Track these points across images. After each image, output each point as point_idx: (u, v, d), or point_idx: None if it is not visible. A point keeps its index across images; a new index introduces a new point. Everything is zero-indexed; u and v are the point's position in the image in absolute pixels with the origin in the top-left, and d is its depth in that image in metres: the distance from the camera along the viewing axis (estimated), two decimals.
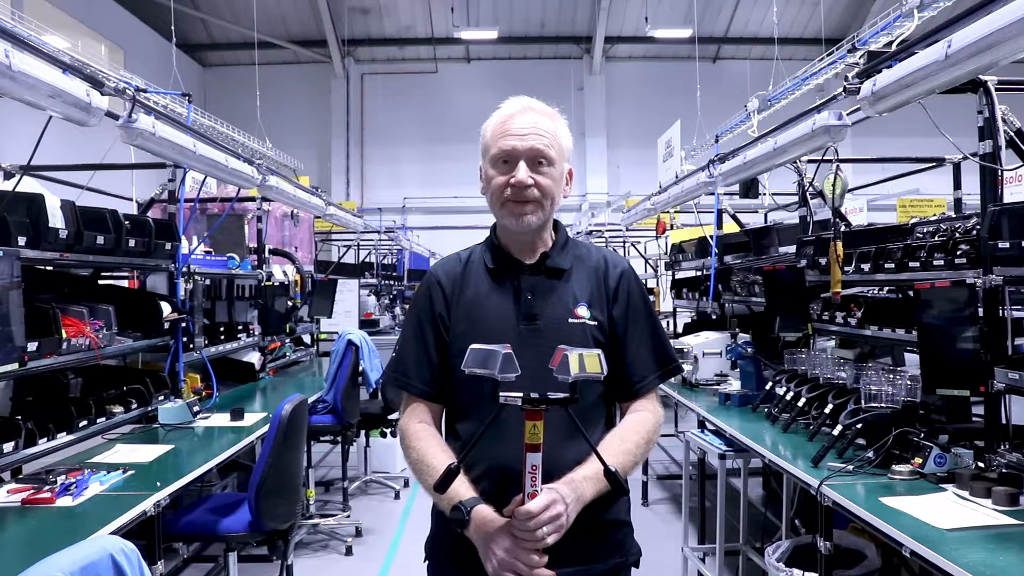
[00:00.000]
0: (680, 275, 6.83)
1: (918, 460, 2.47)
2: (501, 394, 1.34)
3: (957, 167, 4.46)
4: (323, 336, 7.42)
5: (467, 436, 1.57)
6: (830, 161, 3.49)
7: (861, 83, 2.73)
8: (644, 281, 8.58)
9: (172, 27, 11.10)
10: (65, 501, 2.42)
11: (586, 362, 1.34)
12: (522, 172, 1.54)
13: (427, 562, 1.67)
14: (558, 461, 1.46)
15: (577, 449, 1.49)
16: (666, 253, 7.73)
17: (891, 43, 2.89)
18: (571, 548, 1.49)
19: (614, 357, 1.59)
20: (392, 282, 12.24)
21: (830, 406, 2.96)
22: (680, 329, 6.45)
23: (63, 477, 2.62)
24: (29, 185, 3.43)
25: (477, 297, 1.61)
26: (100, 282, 4.12)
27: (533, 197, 1.55)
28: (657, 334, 1.67)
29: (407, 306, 11.21)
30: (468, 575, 1.49)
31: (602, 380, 1.42)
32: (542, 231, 1.64)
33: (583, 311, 1.59)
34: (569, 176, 1.65)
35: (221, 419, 3.79)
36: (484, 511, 1.44)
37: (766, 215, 6.88)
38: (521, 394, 1.34)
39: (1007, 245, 2.42)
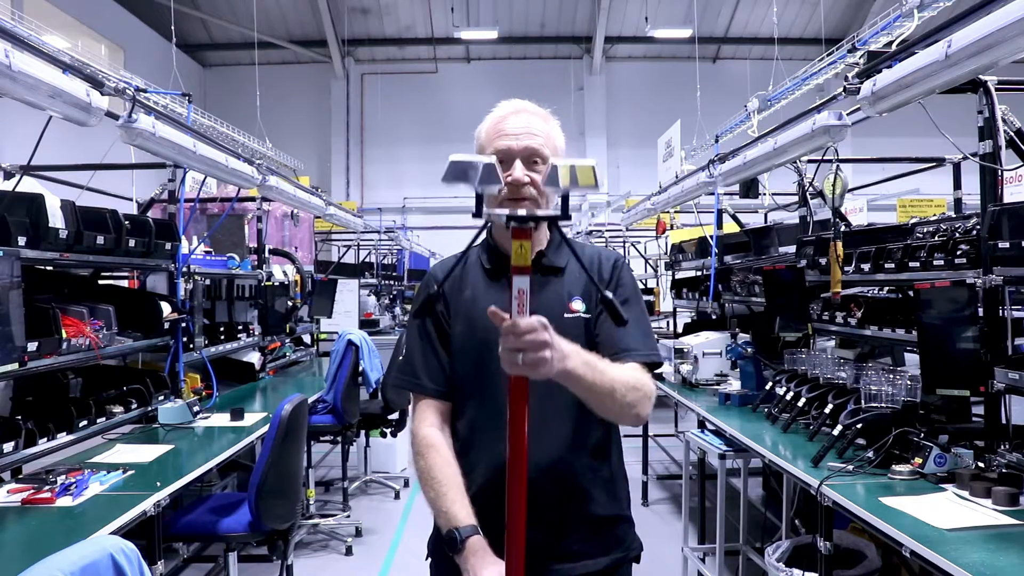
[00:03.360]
0: (680, 275, 6.83)
1: (918, 460, 2.47)
2: (486, 210, 1.25)
3: (957, 167, 4.46)
4: (323, 336, 7.42)
5: (466, 433, 1.58)
6: (830, 161, 3.49)
7: (861, 83, 2.73)
8: (644, 281, 8.52)
9: (172, 27, 11.10)
10: (65, 501, 2.42)
11: (579, 174, 1.22)
12: (518, 170, 1.55)
13: (429, 559, 1.68)
14: (544, 442, 1.47)
15: (562, 429, 1.51)
16: (666, 253, 7.73)
17: (891, 43, 2.90)
18: (571, 543, 1.51)
19: (601, 333, 1.58)
20: (392, 282, 12.25)
21: (830, 406, 2.96)
22: (680, 329, 6.45)
23: (63, 477, 2.62)
24: (29, 185, 3.43)
25: (474, 296, 1.62)
26: (100, 282, 4.12)
27: (529, 195, 1.56)
28: (645, 322, 1.64)
29: (407, 306, 11.23)
30: None
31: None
32: (537, 230, 1.64)
33: (578, 305, 1.59)
34: None
35: (221, 419, 3.78)
36: (477, 543, 1.42)
37: (766, 215, 6.88)
38: (507, 211, 1.23)
39: (1007, 245, 2.43)
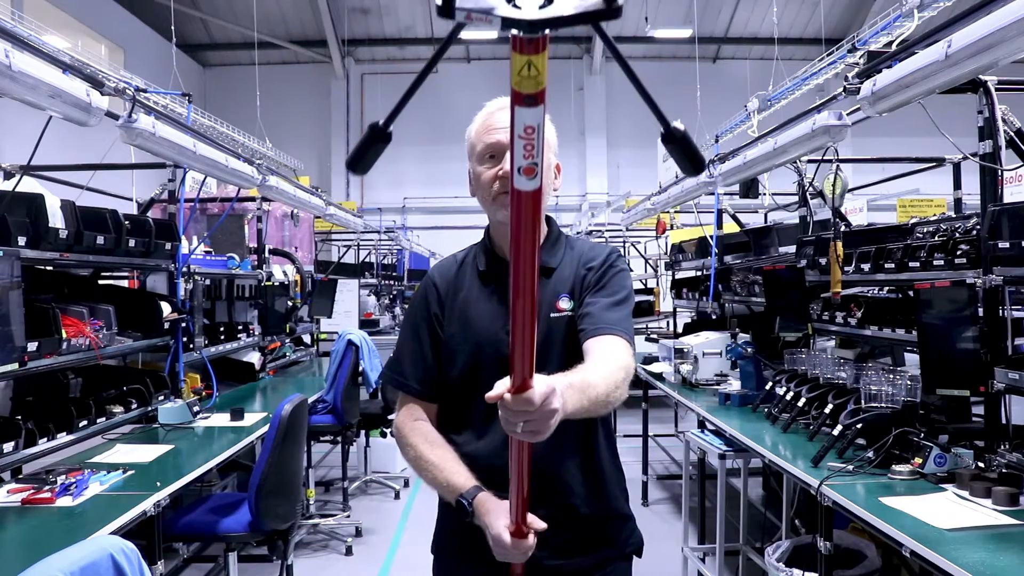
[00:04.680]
0: (680, 275, 6.83)
1: (918, 460, 2.47)
2: (459, 4, 0.78)
3: (957, 167, 4.46)
4: (323, 336, 7.43)
5: (461, 435, 1.58)
6: (830, 161, 3.50)
7: (861, 83, 2.73)
8: (644, 281, 8.44)
9: (172, 27, 11.09)
10: (65, 501, 2.42)
11: None
12: (508, 163, 1.54)
13: (433, 556, 1.69)
14: (547, 458, 1.46)
15: (563, 443, 1.46)
16: (666, 253, 7.74)
17: (891, 43, 2.89)
18: (570, 539, 1.52)
19: (583, 312, 1.54)
20: (392, 282, 12.25)
21: (830, 406, 2.96)
22: (680, 329, 6.45)
23: (63, 477, 2.62)
24: (29, 185, 3.43)
25: (468, 299, 1.62)
26: (100, 282, 4.12)
27: None
28: (629, 314, 1.59)
29: (407, 306, 11.21)
30: (472, 568, 1.50)
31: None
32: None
33: (564, 303, 1.58)
34: (557, 169, 1.63)
35: (221, 419, 3.78)
36: (485, 499, 1.42)
37: (766, 215, 6.88)
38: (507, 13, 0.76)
39: (1007, 245, 2.43)
